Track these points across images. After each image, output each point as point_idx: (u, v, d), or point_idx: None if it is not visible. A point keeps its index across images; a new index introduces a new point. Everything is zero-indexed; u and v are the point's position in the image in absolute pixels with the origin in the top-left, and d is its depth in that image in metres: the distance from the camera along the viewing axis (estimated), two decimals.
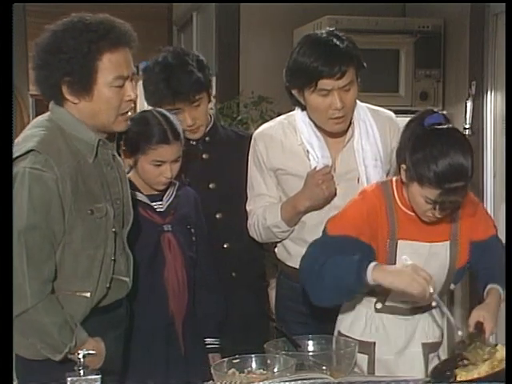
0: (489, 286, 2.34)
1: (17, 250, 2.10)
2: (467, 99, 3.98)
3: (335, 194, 2.60)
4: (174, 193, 2.72)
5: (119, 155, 2.65)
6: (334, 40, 2.53)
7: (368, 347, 2.40)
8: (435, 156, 2.16)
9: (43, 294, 2.14)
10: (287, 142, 2.69)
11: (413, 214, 2.33)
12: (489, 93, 3.94)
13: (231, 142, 2.99)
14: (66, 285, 2.21)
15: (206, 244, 2.78)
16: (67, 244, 2.18)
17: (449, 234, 2.36)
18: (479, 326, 2.23)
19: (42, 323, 2.14)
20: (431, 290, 2.17)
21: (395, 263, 2.31)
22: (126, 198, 2.38)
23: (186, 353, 2.67)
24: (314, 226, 2.60)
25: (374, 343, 2.41)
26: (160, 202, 2.68)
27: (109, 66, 2.18)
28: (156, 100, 2.85)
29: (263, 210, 2.72)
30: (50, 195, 2.13)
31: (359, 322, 2.44)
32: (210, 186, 2.91)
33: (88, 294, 2.23)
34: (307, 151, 2.64)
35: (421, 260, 2.30)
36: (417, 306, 2.40)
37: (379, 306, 2.41)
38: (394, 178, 2.40)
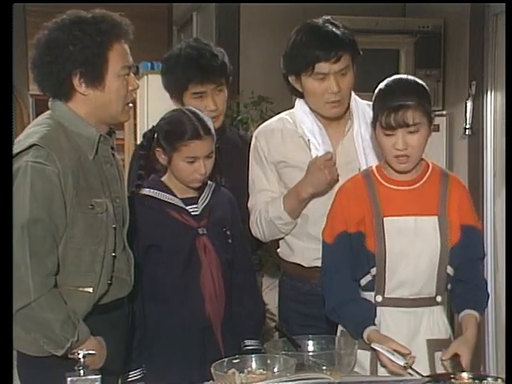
0: (466, 312, 2.33)
1: (20, 243, 2.11)
2: (467, 99, 3.99)
3: (337, 180, 2.61)
4: (210, 195, 2.69)
5: (147, 156, 2.68)
6: (330, 27, 2.63)
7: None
8: (382, 85, 2.36)
9: (46, 287, 2.15)
10: (287, 134, 2.73)
11: (395, 186, 2.37)
12: (489, 93, 3.94)
13: (236, 145, 3.01)
14: (69, 280, 2.22)
15: (243, 245, 2.76)
16: (69, 239, 2.20)
17: (436, 209, 2.36)
18: (457, 357, 2.24)
19: (44, 318, 2.14)
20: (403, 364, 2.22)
21: (384, 242, 2.33)
22: (124, 196, 2.40)
23: (226, 355, 2.64)
24: (316, 218, 2.62)
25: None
26: (195, 205, 2.65)
27: (117, 55, 2.26)
28: (183, 82, 2.88)
29: (266, 204, 2.73)
30: (53, 189, 2.15)
31: None
32: None
33: (90, 290, 2.24)
34: (308, 141, 2.67)
35: (408, 238, 2.32)
36: (418, 298, 2.36)
37: (379, 298, 2.37)
38: (375, 164, 2.49)
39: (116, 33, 2.25)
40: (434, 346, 2.35)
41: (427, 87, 2.38)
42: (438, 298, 2.38)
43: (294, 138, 2.71)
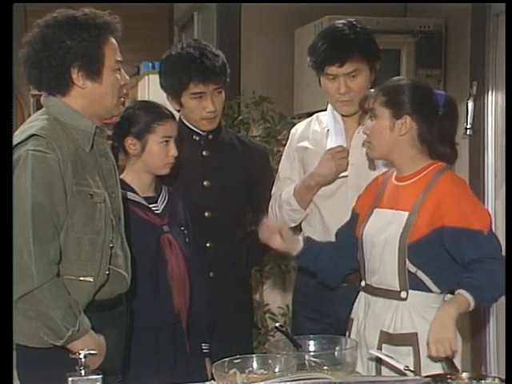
0: (456, 292, 2.32)
1: (22, 230, 2.14)
2: (468, 99, 3.97)
3: (345, 170, 2.76)
4: (167, 196, 2.75)
5: (119, 149, 2.71)
6: (346, 30, 2.74)
7: (349, 323, 2.57)
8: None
9: (49, 275, 2.16)
10: (314, 124, 2.91)
11: (396, 182, 2.49)
12: (490, 93, 3.93)
13: (232, 145, 3.03)
14: (70, 269, 2.24)
15: (195, 246, 2.81)
16: (69, 227, 2.23)
17: (411, 205, 2.41)
18: (450, 358, 2.25)
19: (46, 306, 2.16)
20: None
21: (364, 229, 2.51)
22: (119, 192, 2.44)
23: (191, 353, 2.69)
24: (325, 205, 2.81)
25: (352, 320, 2.54)
26: (155, 204, 2.71)
27: (111, 49, 2.33)
28: (184, 81, 2.89)
29: (281, 190, 2.88)
30: (53, 176, 2.19)
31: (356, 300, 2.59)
32: (205, 183, 2.94)
33: (91, 279, 2.27)
34: (327, 131, 2.84)
35: (380, 229, 2.44)
36: (385, 289, 2.43)
37: (363, 283, 2.53)
38: None
39: (109, 28, 2.32)
40: (385, 338, 2.41)
41: None
42: (403, 294, 2.40)
43: (320, 127, 2.87)
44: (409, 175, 2.46)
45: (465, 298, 2.27)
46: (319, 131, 2.87)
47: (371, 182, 2.64)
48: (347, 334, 2.54)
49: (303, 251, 2.61)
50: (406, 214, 2.40)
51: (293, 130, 3.01)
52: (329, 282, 2.69)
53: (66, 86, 2.29)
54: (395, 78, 2.55)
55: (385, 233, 2.42)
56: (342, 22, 2.79)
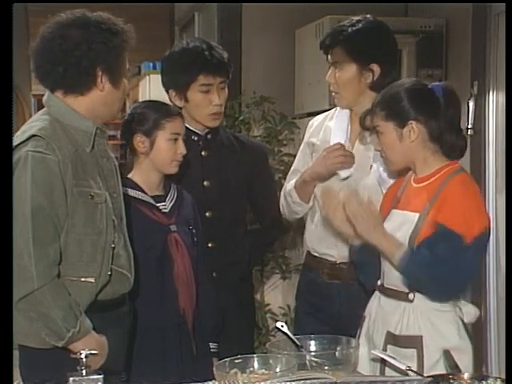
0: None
1: (22, 231, 2.14)
2: (469, 99, 3.97)
3: (349, 167, 2.77)
4: (176, 194, 2.74)
5: (127, 146, 2.73)
6: (348, 23, 2.84)
7: (361, 321, 2.55)
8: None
9: (49, 276, 2.17)
10: (330, 120, 2.92)
11: (413, 183, 2.47)
12: (491, 92, 3.93)
13: (230, 145, 3.03)
14: (71, 271, 2.24)
15: (203, 246, 2.81)
16: (70, 228, 2.23)
17: (423, 206, 2.40)
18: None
19: (47, 307, 2.16)
20: None
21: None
22: (120, 192, 2.44)
23: (197, 353, 2.69)
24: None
25: (364, 317, 2.54)
26: (163, 203, 2.70)
27: (127, 57, 2.37)
28: (193, 73, 2.89)
29: (290, 181, 2.94)
30: (53, 177, 2.19)
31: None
32: (205, 183, 2.94)
33: (93, 280, 2.27)
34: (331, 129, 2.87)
35: (393, 230, 2.40)
36: (393, 289, 2.42)
37: (379, 282, 2.50)
38: None
39: (129, 36, 2.34)
40: (391, 339, 2.41)
41: None
42: (411, 296, 2.39)
43: (329, 124, 2.90)
44: (424, 177, 2.44)
45: (400, 251, 2.33)
46: (331, 127, 2.89)
47: (393, 183, 2.61)
48: (358, 331, 2.54)
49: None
50: (417, 215, 2.39)
51: (310, 123, 3.03)
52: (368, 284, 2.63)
53: (87, 87, 2.30)
54: (386, 88, 2.50)
55: (397, 233, 2.41)
56: (358, 16, 2.88)
